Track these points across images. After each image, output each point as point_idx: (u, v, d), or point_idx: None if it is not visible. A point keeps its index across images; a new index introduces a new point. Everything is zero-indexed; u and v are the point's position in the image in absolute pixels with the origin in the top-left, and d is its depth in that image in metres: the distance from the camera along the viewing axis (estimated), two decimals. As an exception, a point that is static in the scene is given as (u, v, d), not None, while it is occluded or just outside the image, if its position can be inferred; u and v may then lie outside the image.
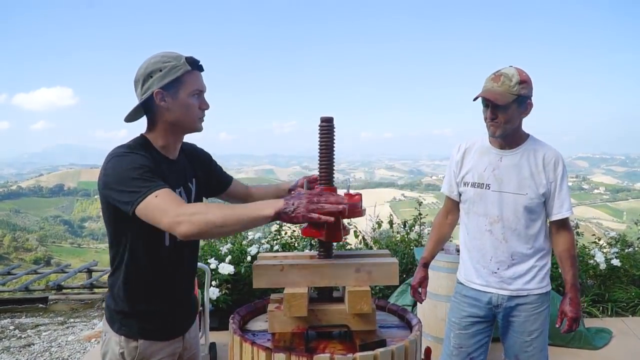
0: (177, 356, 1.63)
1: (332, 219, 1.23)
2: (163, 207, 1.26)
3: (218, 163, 1.85)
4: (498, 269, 2.00)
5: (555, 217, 1.96)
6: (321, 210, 1.22)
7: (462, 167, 2.11)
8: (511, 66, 1.92)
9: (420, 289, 2.23)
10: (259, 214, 1.23)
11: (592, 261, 4.60)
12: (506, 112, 1.87)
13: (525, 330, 2.00)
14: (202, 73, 1.54)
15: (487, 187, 2.00)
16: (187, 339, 1.67)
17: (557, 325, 2.01)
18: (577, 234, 4.94)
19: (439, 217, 2.31)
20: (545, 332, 2.02)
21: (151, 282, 1.52)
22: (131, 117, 1.53)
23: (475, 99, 1.92)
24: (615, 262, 4.57)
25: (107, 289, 1.61)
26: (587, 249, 4.87)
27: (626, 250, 4.93)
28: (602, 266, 4.53)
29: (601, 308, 4.43)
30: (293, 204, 1.22)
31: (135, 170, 1.35)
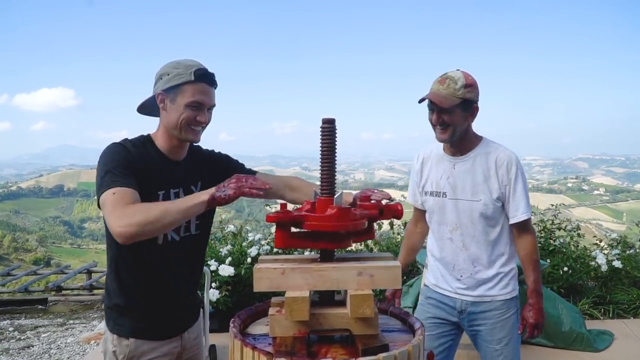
0: (174, 356, 1.62)
1: (261, 193, 1.37)
2: (112, 205, 1.30)
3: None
4: (461, 276, 1.99)
5: (512, 220, 1.92)
6: (249, 186, 1.35)
7: (422, 176, 2.09)
8: (458, 69, 1.89)
9: (395, 300, 2.21)
10: (195, 201, 1.33)
11: (593, 263, 4.59)
12: (451, 115, 1.84)
13: (494, 338, 1.96)
14: (215, 89, 1.55)
15: (444, 195, 1.98)
16: (185, 339, 1.66)
17: (519, 332, 1.98)
18: (578, 235, 4.93)
19: (409, 226, 2.31)
20: (515, 339, 1.98)
21: (142, 279, 1.53)
22: (142, 109, 1.61)
23: (420, 101, 1.88)
24: (617, 263, 4.57)
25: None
26: (588, 251, 4.86)
27: (627, 252, 4.92)
28: (604, 268, 4.52)
29: (602, 310, 4.41)
30: (224, 186, 1.35)
31: (109, 163, 1.40)
